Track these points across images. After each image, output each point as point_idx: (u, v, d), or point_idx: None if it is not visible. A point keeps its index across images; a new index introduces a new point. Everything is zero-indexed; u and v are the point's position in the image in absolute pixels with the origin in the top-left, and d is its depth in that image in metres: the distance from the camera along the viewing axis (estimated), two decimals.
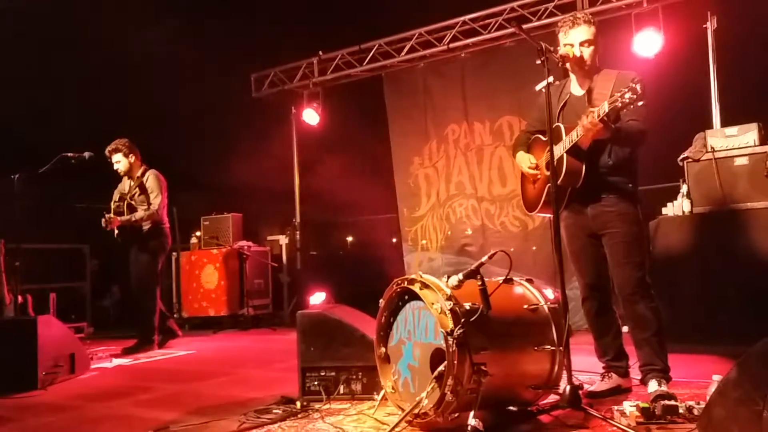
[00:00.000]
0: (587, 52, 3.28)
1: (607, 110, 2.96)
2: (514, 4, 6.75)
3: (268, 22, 9.23)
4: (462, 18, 7.10)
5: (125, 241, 6.02)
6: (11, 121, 8.41)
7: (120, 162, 6.04)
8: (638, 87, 2.83)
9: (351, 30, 8.24)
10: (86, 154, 5.43)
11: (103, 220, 5.89)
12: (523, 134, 3.74)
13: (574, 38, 3.29)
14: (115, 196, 6.16)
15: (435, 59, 7.45)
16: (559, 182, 3.19)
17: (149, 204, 5.98)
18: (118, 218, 5.90)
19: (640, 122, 3.16)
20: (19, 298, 5.60)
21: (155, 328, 6.06)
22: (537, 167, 3.43)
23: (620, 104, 2.88)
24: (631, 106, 2.89)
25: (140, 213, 5.95)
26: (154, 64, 8.92)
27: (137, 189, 6.03)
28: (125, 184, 6.15)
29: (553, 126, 3.29)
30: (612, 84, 3.21)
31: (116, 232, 5.95)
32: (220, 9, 9.06)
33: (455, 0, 7.52)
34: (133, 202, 6.00)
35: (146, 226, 6.00)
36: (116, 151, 6.02)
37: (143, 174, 6.08)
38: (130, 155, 6.06)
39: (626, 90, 2.86)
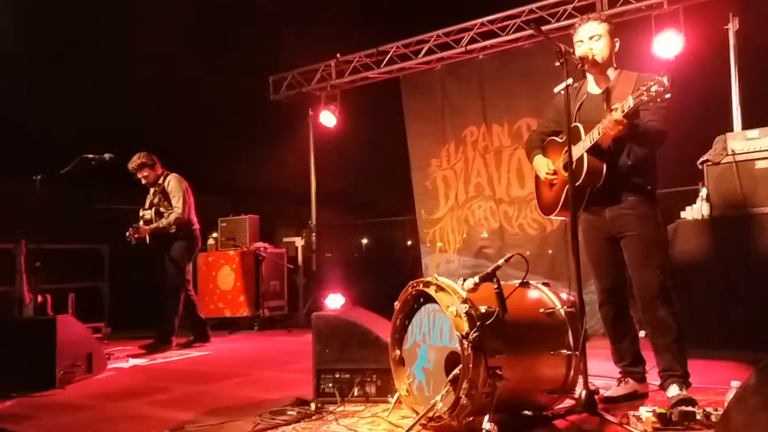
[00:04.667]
0: (596, 46, 3.25)
1: (632, 105, 2.90)
2: (533, 6, 6.70)
3: (286, 24, 9.28)
4: (480, 20, 7.07)
5: (157, 246, 6.19)
6: (30, 123, 8.53)
7: (148, 176, 6.23)
8: (665, 79, 2.76)
9: (368, 32, 8.25)
10: (106, 156, 5.50)
11: (127, 233, 6.08)
12: (535, 135, 3.70)
13: (583, 34, 3.30)
14: (146, 204, 6.35)
15: (452, 61, 7.42)
16: (579, 182, 3.15)
17: (173, 208, 6.14)
18: (147, 227, 6.11)
19: (660, 123, 3.12)
20: (39, 298, 5.66)
21: (174, 329, 6.15)
22: (555, 172, 3.39)
23: (647, 97, 2.82)
24: (658, 99, 2.81)
25: (166, 218, 6.12)
26: (173, 67, 9.00)
27: (160, 195, 6.20)
28: (150, 192, 6.34)
29: (571, 126, 3.26)
30: (632, 85, 3.16)
31: (148, 239, 6.15)
32: (239, 12, 9.12)
33: (473, 2, 7.51)
34: (161, 209, 6.18)
35: (172, 229, 6.15)
36: (142, 166, 6.20)
37: (164, 180, 6.25)
38: (155, 166, 6.24)
39: (652, 83, 2.79)
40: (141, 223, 6.20)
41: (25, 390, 4.09)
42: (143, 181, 6.27)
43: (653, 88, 2.79)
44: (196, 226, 6.37)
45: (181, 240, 6.19)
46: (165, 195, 6.19)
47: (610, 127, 2.99)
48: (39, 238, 5.64)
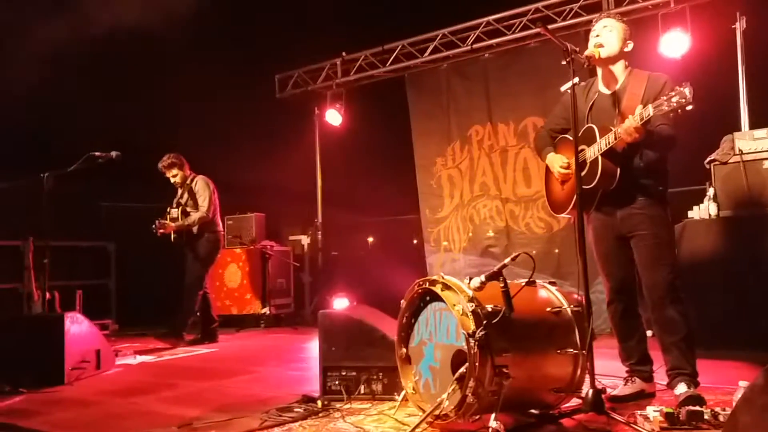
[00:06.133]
0: (606, 35, 3.27)
1: (651, 113, 2.90)
2: (539, 5, 6.71)
3: (291, 23, 9.28)
4: (486, 18, 7.07)
5: (180, 244, 6.34)
6: (38, 121, 8.56)
7: (177, 175, 6.37)
8: (687, 91, 2.74)
9: (374, 31, 8.25)
10: (113, 154, 5.53)
11: (153, 226, 6.20)
12: (544, 132, 3.69)
13: (598, 26, 3.33)
14: (174, 204, 6.47)
15: (458, 60, 7.43)
16: (594, 184, 3.16)
17: (199, 207, 6.27)
18: (172, 224, 6.23)
19: (670, 127, 3.12)
20: (47, 295, 5.69)
21: (186, 326, 6.28)
22: (569, 167, 3.39)
23: (667, 107, 2.81)
24: (679, 111, 2.80)
25: (191, 217, 6.25)
26: (178, 65, 9.01)
27: (188, 195, 6.34)
28: (179, 193, 6.47)
29: (585, 127, 3.26)
30: (644, 85, 3.18)
31: (173, 236, 6.28)
32: (245, 10, 9.13)
33: (479, 0, 7.50)
34: (188, 209, 6.32)
35: (195, 229, 6.26)
36: (172, 165, 6.35)
37: (191, 180, 6.39)
38: (183, 166, 6.39)
39: (673, 93, 2.78)
40: (168, 220, 6.31)
41: (34, 386, 4.11)
42: (172, 180, 6.41)
43: (674, 99, 2.77)
44: (220, 228, 6.52)
45: (206, 241, 6.33)
46: (192, 195, 6.34)
47: (628, 133, 2.99)
48: (47, 236, 5.67)
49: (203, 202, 6.27)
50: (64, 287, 6.62)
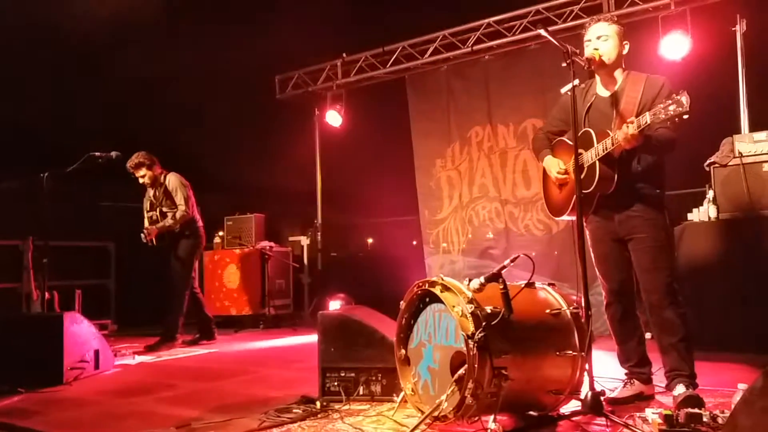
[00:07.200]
0: (603, 47, 3.26)
1: (649, 122, 2.92)
2: (539, 7, 6.71)
3: (292, 24, 9.29)
4: (486, 20, 7.08)
5: (163, 246, 6.19)
6: (40, 121, 8.56)
7: (145, 175, 6.20)
8: (684, 99, 2.76)
9: (374, 32, 8.26)
10: (113, 154, 5.53)
11: (142, 235, 6.12)
12: (542, 134, 3.69)
13: (592, 34, 3.31)
14: (146, 205, 6.34)
15: (459, 61, 7.43)
16: (592, 189, 3.18)
17: (177, 206, 6.15)
18: (155, 228, 6.10)
19: (670, 130, 3.12)
20: (46, 295, 5.69)
21: (178, 327, 6.18)
22: (566, 172, 3.40)
23: (664, 116, 2.84)
24: (676, 119, 2.83)
25: (170, 219, 6.12)
26: (179, 66, 9.02)
27: (163, 195, 6.19)
28: (150, 193, 6.31)
29: (582, 131, 3.26)
30: (641, 88, 3.18)
31: (154, 240, 6.14)
32: (245, 11, 9.14)
33: (480, 2, 7.51)
34: (164, 209, 6.18)
35: (177, 228, 6.15)
36: (140, 165, 6.16)
37: (164, 179, 6.23)
38: (153, 166, 6.21)
39: (670, 102, 2.81)
40: (147, 224, 6.22)
41: (32, 386, 4.11)
42: (140, 181, 6.24)
43: (671, 108, 2.80)
44: (200, 223, 6.39)
45: (187, 239, 6.20)
46: (167, 194, 6.19)
47: (626, 140, 3.02)
48: (46, 235, 5.67)
49: (181, 200, 6.13)
50: (64, 287, 6.62)
